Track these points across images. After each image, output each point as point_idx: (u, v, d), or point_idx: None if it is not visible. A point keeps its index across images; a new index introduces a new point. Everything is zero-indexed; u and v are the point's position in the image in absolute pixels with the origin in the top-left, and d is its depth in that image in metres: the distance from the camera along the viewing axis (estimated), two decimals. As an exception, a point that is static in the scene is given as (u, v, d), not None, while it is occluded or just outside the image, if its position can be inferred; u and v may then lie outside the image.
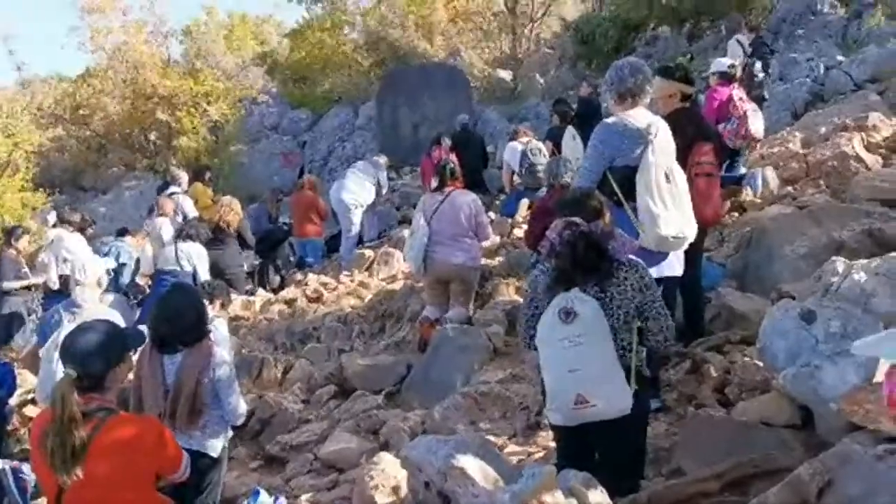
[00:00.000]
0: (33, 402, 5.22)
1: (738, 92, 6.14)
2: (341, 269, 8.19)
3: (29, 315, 7.12)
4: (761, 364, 3.14)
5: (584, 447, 2.58)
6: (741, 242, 5.01)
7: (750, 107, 6.04)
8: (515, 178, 8.48)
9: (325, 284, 7.44)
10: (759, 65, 7.65)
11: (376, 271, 7.69)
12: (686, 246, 3.33)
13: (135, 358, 3.08)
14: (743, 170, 6.52)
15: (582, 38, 15.62)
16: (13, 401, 5.00)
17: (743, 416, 2.82)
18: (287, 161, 15.75)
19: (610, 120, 3.38)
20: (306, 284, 7.58)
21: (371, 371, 5.08)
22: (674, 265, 3.37)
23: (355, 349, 5.86)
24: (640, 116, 3.33)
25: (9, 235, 7.57)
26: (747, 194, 6.05)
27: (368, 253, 8.18)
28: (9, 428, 4.96)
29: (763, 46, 8.42)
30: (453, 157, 8.36)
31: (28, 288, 7.28)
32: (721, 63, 6.33)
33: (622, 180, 3.23)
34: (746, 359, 3.46)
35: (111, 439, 2.24)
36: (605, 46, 14.88)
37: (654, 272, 2.96)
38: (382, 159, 9.56)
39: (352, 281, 7.41)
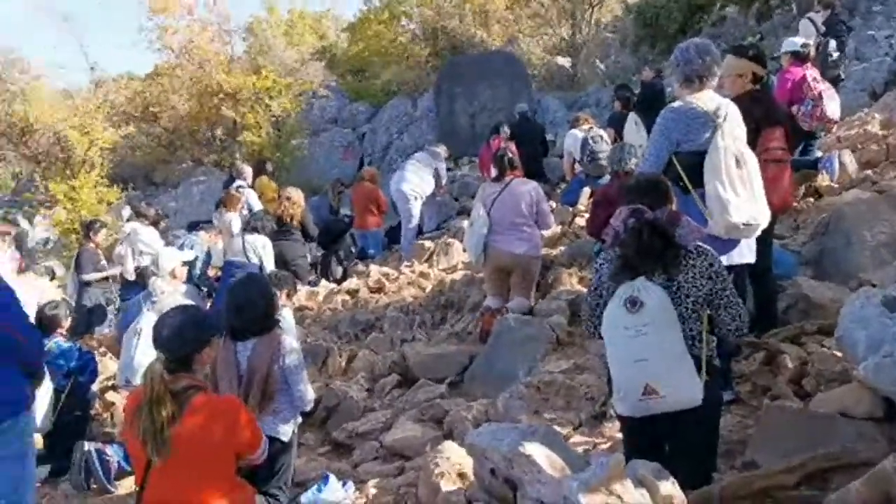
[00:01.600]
0: (114, 388, 5.50)
1: (811, 72, 5.88)
2: (402, 260, 8.28)
3: (108, 305, 7.48)
4: (840, 354, 3.02)
5: (653, 438, 2.53)
6: (817, 229, 4.80)
7: (825, 87, 5.77)
8: (576, 166, 8.36)
9: (386, 275, 7.53)
10: (833, 43, 7.31)
11: (436, 262, 7.74)
12: (758, 233, 3.22)
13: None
14: (818, 153, 6.25)
15: (645, 20, 15.22)
16: (95, 386, 5.28)
17: (821, 408, 2.71)
18: (347, 153, 15.99)
19: (676, 104, 3.29)
20: (368, 275, 7.69)
21: (433, 360, 5.12)
22: (744, 252, 3.26)
23: (417, 339, 5.92)
24: (708, 99, 3.23)
25: (87, 229, 7.97)
26: (823, 179, 5.80)
27: (428, 244, 8.23)
28: (92, 412, 5.24)
29: (838, 24, 8.02)
30: (512, 146, 8.32)
31: (106, 279, 7.65)
32: (793, 42, 6.08)
33: (689, 166, 3.14)
34: (824, 349, 3.33)
35: (196, 418, 2.36)
36: (669, 28, 14.47)
37: (724, 260, 2.87)
38: (441, 149, 9.59)
39: (412, 271, 7.47)
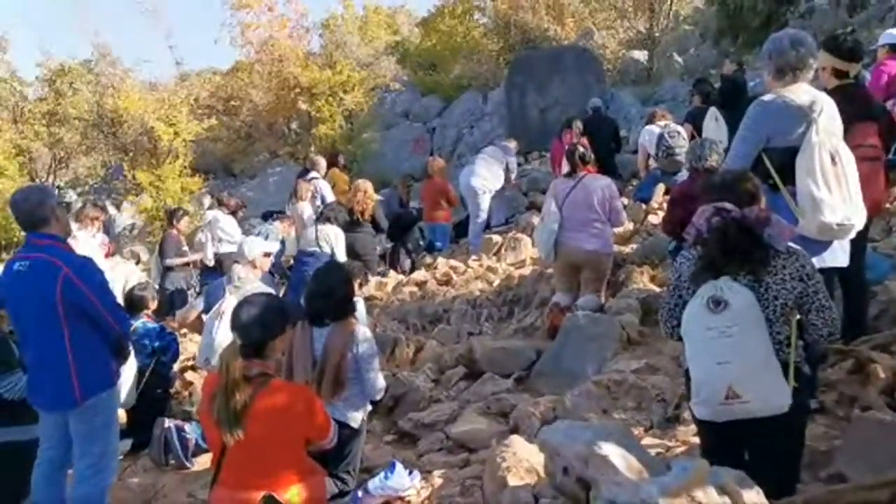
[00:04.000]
0: (193, 368, 5.73)
1: (910, 66, 5.51)
2: (469, 254, 8.28)
3: (188, 289, 7.80)
4: (939, 366, 2.82)
5: (732, 445, 2.43)
6: (912, 233, 4.52)
7: (925, 82, 5.40)
8: (651, 162, 8.14)
9: (454, 268, 7.55)
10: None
11: (504, 256, 7.70)
12: (853, 235, 3.04)
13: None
14: (914, 152, 5.86)
15: (727, 12, 14.60)
16: (176, 366, 5.51)
17: (918, 423, 2.55)
18: (417, 147, 16.11)
19: (767, 97, 3.14)
20: (436, 268, 7.73)
21: (500, 354, 5.09)
22: (837, 255, 3.09)
23: (484, 332, 5.91)
24: (801, 93, 3.07)
25: (171, 216, 8.33)
26: (920, 180, 5.43)
27: (496, 238, 8.20)
28: (172, 391, 5.47)
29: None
30: (584, 141, 8.17)
31: (187, 264, 7.97)
32: (892, 35, 5.71)
33: (781, 163, 2.99)
34: (921, 360, 3.12)
35: (268, 403, 2.42)
36: (753, 20, 13.83)
37: (816, 262, 2.72)
38: (512, 144, 9.52)
39: (480, 265, 7.46)
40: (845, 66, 3.60)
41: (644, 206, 7.46)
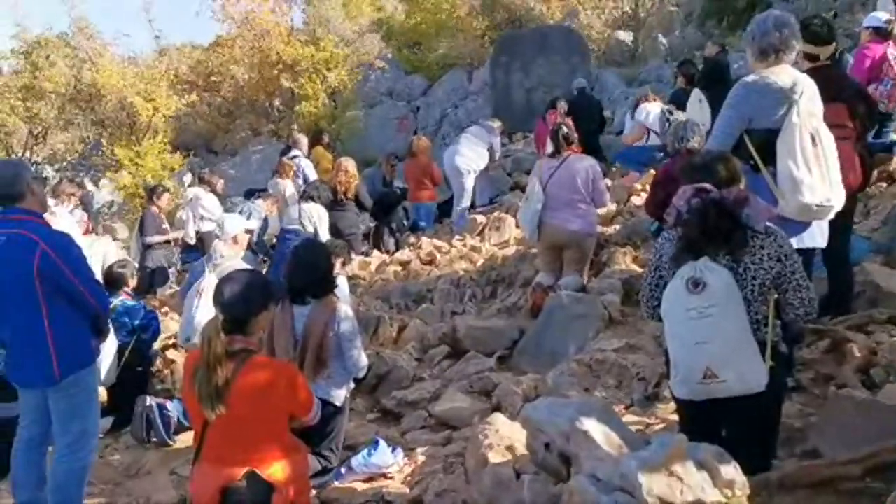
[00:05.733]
0: (174, 346, 5.70)
1: (893, 50, 5.55)
2: (453, 234, 8.28)
3: (169, 267, 7.73)
4: (913, 345, 2.88)
5: (710, 422, 2.47)
6: (889, 215, 4.59)
7: (906, 66, 5.45)
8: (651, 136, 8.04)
9: (438, 248, 7.55)
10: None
11: (488, 236, 7.71)
12: (832, 215, 3.08)
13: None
14: (894, 136, 5.92)
15: (713, -7, 14.62)
16: (157, 344, 5.48)
17: (891, 400, 2.60)
18: (402, 125, 15.99)
19: (750, 78, 3.15)
20: (420, 247, 7.72)
21: (484, 334, 5.13)
22: (815, 236, 3.13)
23: (467, 312, 5.93)
24: (783, 74, 3.08)
25: (151, 194, 8.22)
26: (898, 163, 5.51)
27: (480, 218, 8.20)
28: (153, 369, 5.44)
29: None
30: (568, 121, 8.15)
31: (168, 242, 7.89)
32: (877, 18, 5.74)
33: (762, 144, 3.01)
34: (894, 339, 3.18)
35: (251, 379, 2.41)
36: (738, 2, 13.85)
37: (795, 243, 2.75)
38: (496, 124, 9.48)
39: (464, 245, 7.47)
40: (815, 49, 3.64)
41: (637, 174, 7.44)
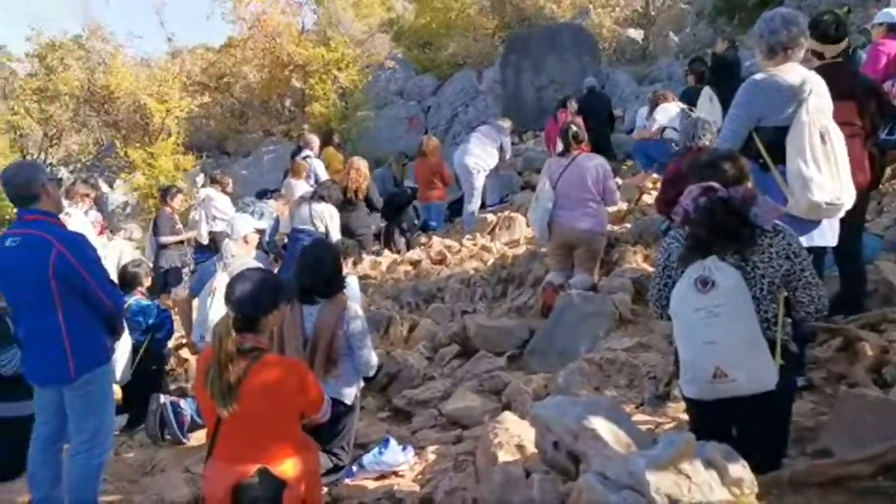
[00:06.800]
0: (187, 345, 5.76)
1: (908, 46, 5.49)
2: (463, 233, 8.29)
3: (182, 267, 7.79)
4: (926, 344, 2.86)
5: (720, 422, 2.46)
6: (903, 212, 4.55)
7: (922, 63, 5.39)
8: (667, 131, 7.96)
9: (448, 247, 7.57)
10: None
11: (498, 236, 7.72)
12: (842, 214, 3.06)
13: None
14: (908, 133, 5.86)
15: (723, -9, 14.52)
16: (171, 343, 5.53)
17: (903, 399, 2.59)
18: (412, 125, 16.01)
19: (758, 76, 3.14)
20: (430, 247, 7.74)
21: (494, 333, 5.13)
22: (825, 234, 3.12)
23: (478, 311, 5.94)
24: (792, 73, 3.07)
25: (164, 194, 8.28)
26: (911, 161, 5.44)
27: (491, 217, 8.21)
28: (167, 368, 5.50)
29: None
30: (578, 120, 8.14)
31: (182, 242, 7.95)
32: (889, 14, 5.67)
33: (771, 142, 3.00)
34: (907, 338, 3.16)
35: (262, 377, 2.44)
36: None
37: (804, 241, 2.75)
38: (506, 123, 9.48)
39: (474, 244, 7.48)
40: (820, 47, 3.62)
41: (652, 174, 7.44)
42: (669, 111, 7.80)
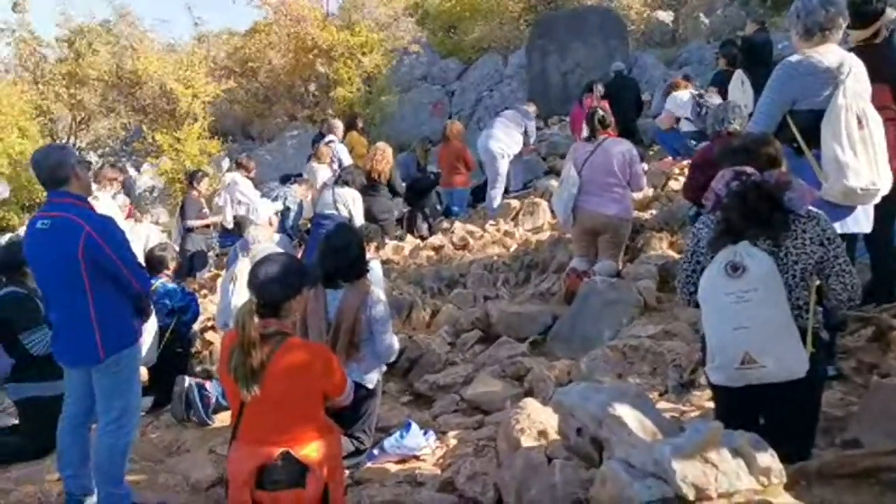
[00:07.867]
0: (213, 328, 5.82)
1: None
2: (486, 219, 8.25)
3: (208, 251, 7.89)
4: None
5: (747, 409, 2.42)
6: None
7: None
8: (682, 123, 7.90)
9: (471, 233, 7.54)
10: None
11: (522, 221, 7.67)
12: (877, 200, 2.97)
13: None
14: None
15: (755, -28, 14.17)
16: (196, 326, 5.59)
17: (937, 391, 2.52)
18: (436, 109, 15.94)
19: (794, 58, 3.05)
20: (453, 232, 7.72)
21: (516, 318, 5.11)
22: (860, 221, 3.03)
23: (500, 297, 5.92)
24: (829, 54, 2.98)
25: (191, 179, 8.38)
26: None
27: (514, 203, 8.15)
28: (192, 350, 5.57)
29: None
30: (604, 104, 8.01)
31: (207, 226, 8.05)
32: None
33: (806, 125, 2.92)
34: (942, 328, 3.08)
35: (287, 361, 2.45)
36: (781, -19, 13.41)
37: (838, 227, 2.68)
38: (531, 108, 9.39)
39: (497, 230, 7.45)
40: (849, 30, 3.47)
41: (672, 159, 7.32)
42: (677, 98, 7.70)
